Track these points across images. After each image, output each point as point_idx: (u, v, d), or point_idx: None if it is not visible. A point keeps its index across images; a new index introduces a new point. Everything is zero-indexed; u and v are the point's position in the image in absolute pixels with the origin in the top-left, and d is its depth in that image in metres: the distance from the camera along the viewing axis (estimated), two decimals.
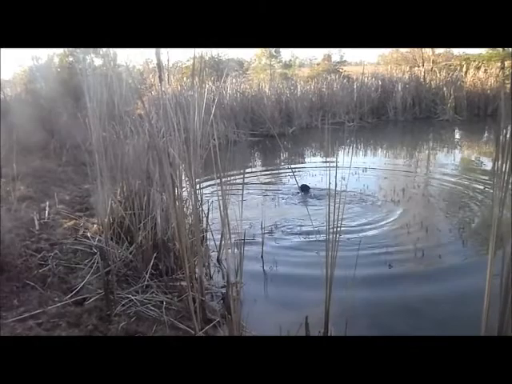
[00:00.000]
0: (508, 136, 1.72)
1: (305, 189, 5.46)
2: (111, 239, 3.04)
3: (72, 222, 3.63)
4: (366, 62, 21.21)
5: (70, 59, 8.38)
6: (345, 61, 20.02)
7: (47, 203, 3.95)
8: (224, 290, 2.88)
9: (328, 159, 5.92)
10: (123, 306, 2.51)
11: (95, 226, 3.55)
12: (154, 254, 2.94)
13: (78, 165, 5.71)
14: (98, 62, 5.63)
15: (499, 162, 1.71)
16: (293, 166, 7.39)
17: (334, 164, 2.30)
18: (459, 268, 3.28)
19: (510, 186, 1.70)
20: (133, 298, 2.59)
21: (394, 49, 20.99)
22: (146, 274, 2.83)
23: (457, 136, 10.95)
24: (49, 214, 3.76)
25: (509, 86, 1.84)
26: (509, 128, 1.73)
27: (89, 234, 3.37)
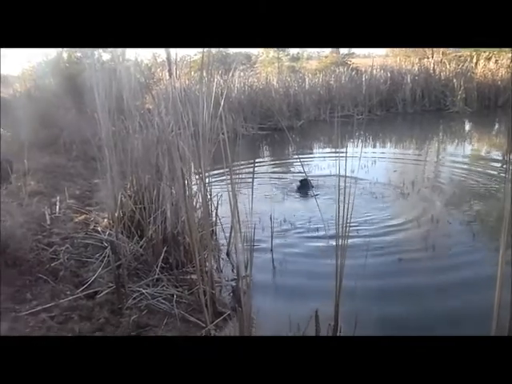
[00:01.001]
0: None
1: (304, 185, 5.07)
2: (121, 233, 3.07)
3: (83, 217, 3.66)
4: (374, 54, 20.98)
5: (79, 54, 8.40)
6: (353, 53, 19.86)
7: (58, 198, 3.98)
8: (234, 283, 2.89)
9: (337, 152, 5.82)
10: (134, 299, 2.53)
11: (106, 220, 3.57)
12: (164, 248, 2.96)
13: (87, 160, 5.75)
14: (106, 56, 5.65)
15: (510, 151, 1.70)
16: (302, 157, 7.37)
17: (343, 160, 2.25)
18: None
19: None
20: (144, 291, 2.61)
21: None
22: (157, 267, 2.85)
23: (467, 128, 10.84)
24: (60, 208, 3.79)
25: None
26: None
27: (99, 228, 3.40)
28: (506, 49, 14.63)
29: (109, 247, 2.92)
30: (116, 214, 3.05)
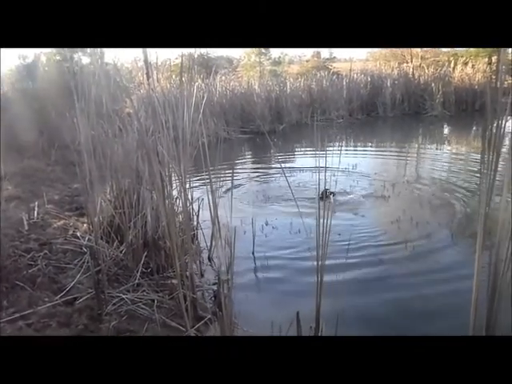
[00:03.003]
0: (494, 130, 1.74)
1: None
2: (101, 238, 3.03)
3: (61, 222, 3.61)
4: (355, 59, 21.23)
5: (58, 58, 8.30)
6: (334, 57, 20.09)
7: (36, 203, 3.92)
8: (215, 288, 2.88)
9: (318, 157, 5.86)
10: (114, 305, 2.51)
11: (85, 225, 3.53)
12: (145, 253, 2.94)
13: (66, 164, 5.68)
14: (85, 60, 5.60)
15: (486, 156, 1.74)
16: (282, 161, 7.40)
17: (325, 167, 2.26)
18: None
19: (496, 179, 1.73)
20: (124, 296, 2.58)
21: None
22: (137, 272, 2.83)
23: (446, 131, 11.04)
24: (38, 213, 3.73)
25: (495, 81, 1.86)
26: (495, 123, 1.75)
27: (79, 234, 3.36)
28: (483, 54, 15.00)
29: (88, 252, 2.88)
30: (95, 219, 3.01)
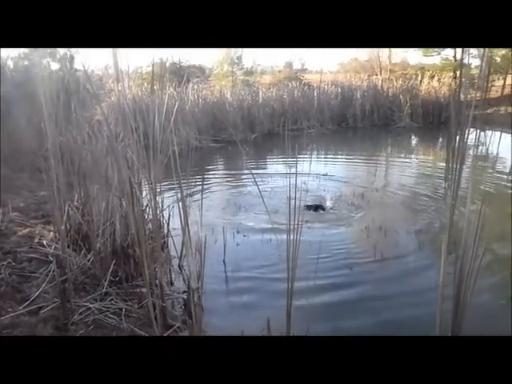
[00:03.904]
0: (457, 141, 1.82)
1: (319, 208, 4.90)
2: (68, 246, 2.97)
3: (27, 230, 3.51)
4: (326, 71, 21.59)
5: (25, 63, 8.14)
6: (306, 69, 20.38)
7: (0, 211, 3.81)
8: (185, 296, 2.86)
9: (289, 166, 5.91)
10: (81, 314, 2.45)
11: (51, 233, 3.45)
12: (113, 261, 2.89)
13: (33, 171, 5.53)
14: (54, 66, 5.51)
15: (450, 164, 1.81)
16: (254, 171, 7.42)
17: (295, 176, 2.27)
18: None
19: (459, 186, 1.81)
20: (91, 306, 2.53)
21: (353, 57, 21.57)
22: (105, 281, 2.78)
23: (413, 142, 11.34)
24: (2, 221, 3.62)
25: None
26: (458, 134, 1.83)
27: (45, 242, 3.27)
28: (448, 68, 15.50)
29: (54, 261, 2.82)
30: (62, 227, 2.95)
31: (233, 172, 7.91)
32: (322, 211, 4.76)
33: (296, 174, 2.17)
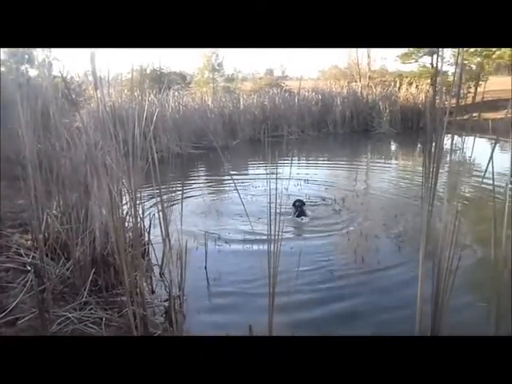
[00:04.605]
0: (434, 145, 1.86)
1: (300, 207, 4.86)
2: (47, 255, 2.92)
3: (3, 239, 3.44)
4: (306, 77, 21.78)
5: (2, 69, 8.02)
6: (286, 75, 20.54)
7: None
8: (167, 304, 2.84)
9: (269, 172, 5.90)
10: (59, 324, 2.41)
11: (29, 242, 3.38)
12: (93, 270, 2.85)
13: (11, 179, 5.42)
14: (32, 72, 5.44)
15: (427, 168, 1.86)
16: (235, 177, 7.43)
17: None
18: None
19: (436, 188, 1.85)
20: (70, 315, 2.49)
21: (333, 65, 21.83)
22: (84, 290, 2.73)
23: (392, 148, 11.52)
24: None
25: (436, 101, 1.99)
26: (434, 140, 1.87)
27: (22, 251, 3.21)
28: (426, 75, 15.80)
29: (32, 270, 2.76)
30: (40, 236, 2.90)
31: (214, 178, 7.90)
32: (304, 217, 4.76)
33: (276, 178, 2.18)
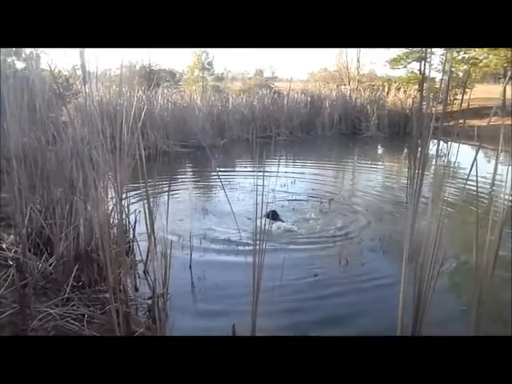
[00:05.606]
0: (419, 150, 1.89)
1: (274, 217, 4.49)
2: (29, 250, 2.88)
3: None
4: (296, 79, 21.88)
5: None
6: (276, 77, 20.60)
7: None
8: (150, 302, 2.82)
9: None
10: (40, 320, 2.38)
11: (12, 236, 3.33)
12: (76, 266, 2.82)
13: None
14: (20, 65, 5.36)
15: (412, 171, 1.88)
16: (222, 176, 7.42)
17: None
18: None
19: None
20: (51, 311, 2.46)
21: (323, 67, 21.95)
22: (67, 286, 2.71)
23: (379, 152, 11.62)
24: None
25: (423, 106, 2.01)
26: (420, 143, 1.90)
27: (4, 246, 3.16)
28: (413, 81, 15.97)
29: (14, 265, 2.73)
30: (24, 230, 2.86)
31: (200, 176, 7.88)
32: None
33: (263, 176, 2.18)
